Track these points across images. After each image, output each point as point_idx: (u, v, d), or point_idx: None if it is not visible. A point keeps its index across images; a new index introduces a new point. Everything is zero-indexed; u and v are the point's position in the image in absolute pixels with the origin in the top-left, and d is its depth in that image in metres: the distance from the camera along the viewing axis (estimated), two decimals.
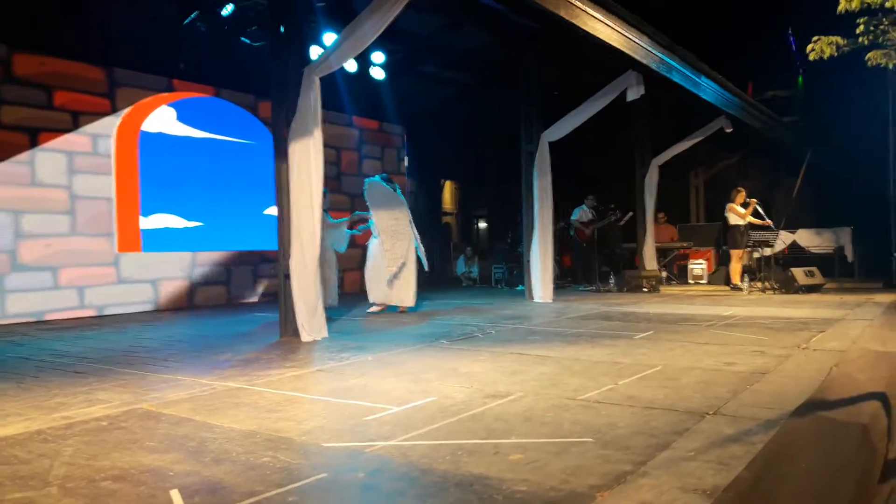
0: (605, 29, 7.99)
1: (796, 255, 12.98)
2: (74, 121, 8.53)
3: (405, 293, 8.07)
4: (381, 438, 2.93)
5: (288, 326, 6.17)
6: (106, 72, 8.85)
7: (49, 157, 8.27)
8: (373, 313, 8.15)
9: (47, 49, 8.26)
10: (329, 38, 9.05)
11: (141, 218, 9.19)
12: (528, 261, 9.68)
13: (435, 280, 14.55)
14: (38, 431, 3.13)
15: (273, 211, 10.36)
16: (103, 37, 8.58)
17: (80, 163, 8.56)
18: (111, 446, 2.88)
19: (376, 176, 8.23)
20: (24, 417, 3.40)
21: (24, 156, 8.05)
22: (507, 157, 10.95)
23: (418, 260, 8.15)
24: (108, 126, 8.86)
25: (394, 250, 7.87)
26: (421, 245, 8.15)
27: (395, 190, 8.11)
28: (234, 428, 3.14)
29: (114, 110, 8.92)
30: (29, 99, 8.12)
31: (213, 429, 3.14)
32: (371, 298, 8.24)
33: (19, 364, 5.08)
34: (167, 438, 2.99)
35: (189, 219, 9.76)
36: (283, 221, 6.22)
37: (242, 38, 9.27)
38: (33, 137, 8.14)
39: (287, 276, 6.13)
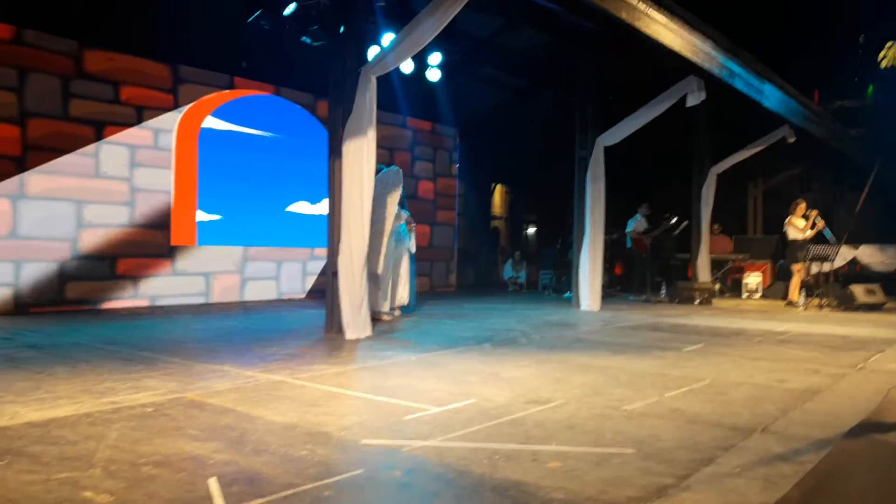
0: (667, 32, 7.84)
1: (859, 272, 12.48)
2: (138, 115, 8.78)
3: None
4: (419, 438, 2.92)
5: (334, 323, 6.23)
6: (170, 68, 9.10)
7: (113, 150, 8.54)
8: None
9: (116, 45, 8.54)
10: (387, 38, 9.08)
11: (197, 211, 9.42)
12: (577, 268, 9.55)
13: (482, 284, 14.53)
14: (86, 414, 3.22)
15: (298, 207, 10.46)
16: (169, 34, 8.81)
17: (142, 156, 8.81)
18: (155, 432, 2.94)
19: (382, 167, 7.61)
20: (75, 400, 3.50)
21: (89, 148, 8.33)
22: (560, 162, 10.83)
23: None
24: (170, 121, 9.10)
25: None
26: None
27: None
28: (275, 420, 3.18)
29: (176, 106, 9.16)
30: (97, 93, 8.40)
31: (254, 420, 3.18)
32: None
33: (74, 349, 5.25)
34: (209, 427, 3.04)
35: (237, 214, 9.94)
36: (334, 219, 6.28)
37: (303, 38, 9.39)
38: (99, 130, 8.42)
39: (335, 274, 6.19)
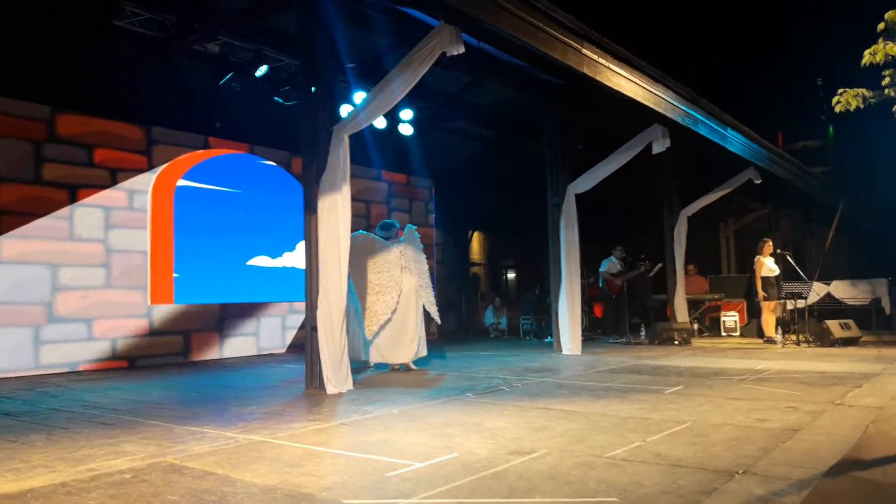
0: (629, 84, 8.10)
1: (833, 306, 12.70)
2: (112, 177, 8.80)
3: (408, 348, 7.58)
4: (402, 496, 2.90)
5: (314, 379, 6.19)
6: (144, 130, 9.16)
7: (87, 213, 8.52)
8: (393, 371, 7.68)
9: (89, 109, 8.60)
10: (359, 97, 9.28)
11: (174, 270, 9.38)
12: (556, 313, 9.62)
13: (463, 331, 14.51)
14: (62, 484, 3.16)
15: (258, 261, 10.43)
16: (142, 97, 8.92)
17: (117, 217, 8.80)
18: (133, 500, 2.89)
19: (360, 230, 7.89)
20: (50, 469, 3.43)
21: (63, 211, 8.31)
22: (534, 208, 11.01)
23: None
24: (145, 182, 9.12)
25: (374, 307, 7.38)
26: (426, 293, 7.72)
27: (390, 237, 7.75)
28: (255, 483, 3.14)
29: (150, 167, 9.19)
30: (70, 157, 8.42)
31: (234, 483, 3.14)
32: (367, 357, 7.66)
33: (50, 415, 5.15)
34: (189, 493, 3.00)
35: (215, 270, 9.91)
36: (311, 275, 6.30)
37: (276, 98, 9.55)
38: (73, 193, 8.41)
39: (314, 329, 6.18)
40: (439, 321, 7.97)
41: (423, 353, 7.81)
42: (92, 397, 6.08)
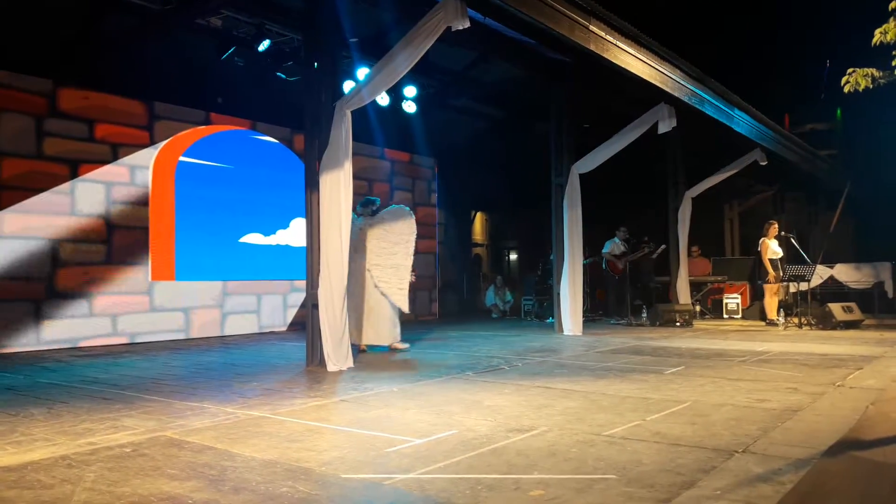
0: (636, 62, 8.01)
1: (836, 289, 12.67)
2: (114, 152, 8.76)
3: (373, 330, 7.38)
4: (401, 471, 2.90)
5: (314, 356, 6.19)
6: (146, 105, 9.11)
7: (88, 188, 8.50)
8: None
9: (90, 84, 8.54)
10: (362, 72, 9.20)
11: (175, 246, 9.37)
12: (558, 293, 9.60)
13: (465, 311, 14.52)
14: (63, 457, 3.17)
15: (251, 238, 10.37)
16: (144, 72, 8.86)
17: (118, 193, 8.77)
18: (133, 473, 2.90)
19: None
20: (51, 442, 3.44)
21: (64, 186, 8.29)
22: (538, 188, 10.95)
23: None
24: (146, 157, 9.08)
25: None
26: (381, 273, 7.36)
27: (363, 214, 7.54)
28: (254, 457, 3.14)
29: (152, 142, 9.15)
30: (71, 132, 8.38)
31: (234, 457, 3.14)
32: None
33: (51, 390, 5.16)
34: (188, 466, 3.00)
35: (216, 247, 9.90)
36: (312, 252, 6.28)
37: (278, 73, 9.48)
38: (74, 168, 8.38)
39: (315, 306, 6.17)
40: (405, 309, 7.44)
41: (385, 340, 7.41)
42: (92, 372, 6.10)
